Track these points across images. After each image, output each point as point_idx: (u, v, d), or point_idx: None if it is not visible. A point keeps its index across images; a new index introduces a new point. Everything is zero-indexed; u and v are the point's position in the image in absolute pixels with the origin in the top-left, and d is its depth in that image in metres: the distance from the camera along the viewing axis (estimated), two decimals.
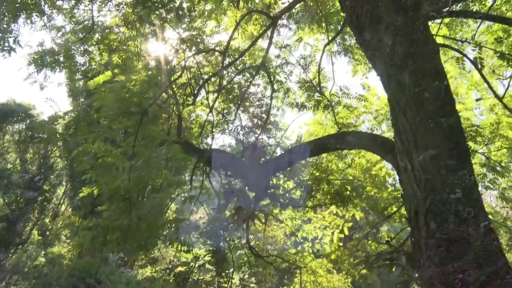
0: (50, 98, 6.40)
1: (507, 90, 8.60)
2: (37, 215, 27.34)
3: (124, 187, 6.13)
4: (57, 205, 29.54)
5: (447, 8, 6.41)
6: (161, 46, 9.36)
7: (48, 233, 27.81)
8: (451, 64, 10.69)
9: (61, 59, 9.00)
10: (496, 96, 6.64)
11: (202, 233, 6.27)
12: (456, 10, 8.60)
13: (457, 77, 11.34)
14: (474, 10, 9.97)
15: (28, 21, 8.29)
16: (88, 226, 6.53)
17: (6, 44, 7.29)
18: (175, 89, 8.95)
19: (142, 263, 21.42)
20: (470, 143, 9.04)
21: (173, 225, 7.37)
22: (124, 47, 10.05)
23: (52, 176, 28.21)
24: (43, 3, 8.40)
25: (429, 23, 5.77)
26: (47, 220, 28.52)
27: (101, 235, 6.42)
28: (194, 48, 9.67)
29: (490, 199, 22.46)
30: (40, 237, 27.24)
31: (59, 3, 9.11)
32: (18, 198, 25.46)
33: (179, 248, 7.47)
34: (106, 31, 9.89)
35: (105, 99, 6.75)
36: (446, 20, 10.26)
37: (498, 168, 9.27)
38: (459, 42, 10.72)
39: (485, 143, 9.69)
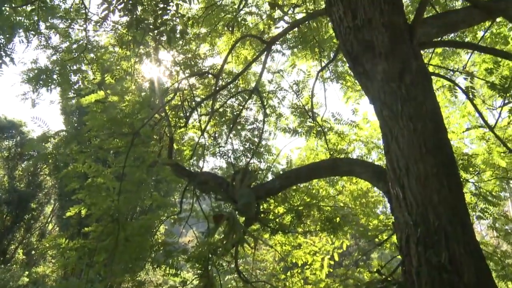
0: (38, 117, 6.31)
1: (497, 120, 8.68)
2: (23, 234, 26.95)
3: (114, 208, 6.06)
4: (44, 224, 29.19)
5: (439, 38, 6.49)
6: (154, 67, 9.40)
7: (33, 252, 27.40)
8: (443, 93, 10.80)
9: (55, 77, 9.01)
10: (488, 125, 6.68)
11: (191, 257, 6.18)
12: (448, 40, 8.72)
13: (449, 106, 11.46)
14: (466, 40, 10.12)
15: (24, 39, 8.31)
16: (74, 247, 6.43)
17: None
18: (167, 111, 8.95)
19: (128, 286, 21.13)
20: (462, 172, 9.06)
21: (162, 247, 7.27)
22: (118, 67, 10.08)
23: (40, 195, 27.93)
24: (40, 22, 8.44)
25: (422, 52, 5.84)
26: (33, 239, 28.13)
27: (87, 256, 6.32)
28: (187, 70, 9.72)
29: (480, 228, 22.51)
30: (24, 256, 26.83)
31: (55, 21, 9.16)
32: (4, 216, 25.14)
33: (167, 271, 7.35)
34: (101, 50, 9.93)
35: (97, 119, 6.72)
36: (438, 49, 10.40)
37: (489, 197, 9.29)
38: (451, 72, 10.86)
39: (477, 172, 9.73)
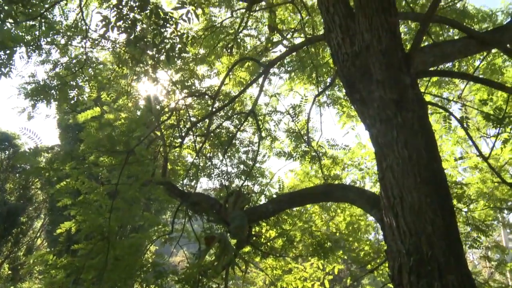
0: (28, 129, 6.23)
1: (492, 150, 8.73)
2: (10, 248, 26.57)
3: (105, 225, 6.00)
4: (33, 238, 28.82)
5: (436, 67, 6.56)
6: (152, 86, 9.41)
7: (20, 267, 26.97)
8: (437, 121, 10.88)
9: (53, 92, 9.02)
10: (482, 155, 6.72)
11: (181, 278, 6.11)
12: (444, 70, 8.82)
13: (443, 134, 11.53)
14: (462, 69, 10.25)
15: (25, 55, 8.35)
16: (62, 264, 6.33)
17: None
18: (163, 130, 8.95)
19: None
20: (455, 201, 9.08)
21: (152, 267, 7.20)
22: (115, 84, 10.10)
23: (30, 208, 27.64)
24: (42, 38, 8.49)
25: (418, 80, 5.88)
26: (20, 254, 27.72)
27: (75, 274, 6.23)
28: (185, 90, 9.74)
29: (472, 257, 22.45)
30: (10, 272, 26.40)
31: (56, 36, 9.21)
32: None
33: None
34: (99, 66, 9.96)
35: (92, 136, 6.71)
36: (434, 78, 10.50)
37: (481, 227, 9.29)
38: (446, 100, 10.96)
39: (469, 203, 9.75)
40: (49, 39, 9.00)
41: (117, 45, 9.45)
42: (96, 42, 9.21)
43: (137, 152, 6.48)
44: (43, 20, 8.12)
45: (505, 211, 11.15)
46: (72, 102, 9.22)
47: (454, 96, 11.75)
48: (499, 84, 7.40)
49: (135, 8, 6.10)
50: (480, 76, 10.03)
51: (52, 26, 8.74)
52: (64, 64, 9.43)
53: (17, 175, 26.92)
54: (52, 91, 8.94)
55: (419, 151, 4.11)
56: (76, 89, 9.33)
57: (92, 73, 9.66)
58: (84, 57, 9.09)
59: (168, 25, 6.72)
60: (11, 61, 7.80)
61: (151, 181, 6.78)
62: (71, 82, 9.18)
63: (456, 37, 9.16)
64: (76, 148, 7.23)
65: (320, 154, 10.03)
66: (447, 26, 9.17)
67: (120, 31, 6.09)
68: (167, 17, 6.59)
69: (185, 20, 6.67)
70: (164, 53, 6.59)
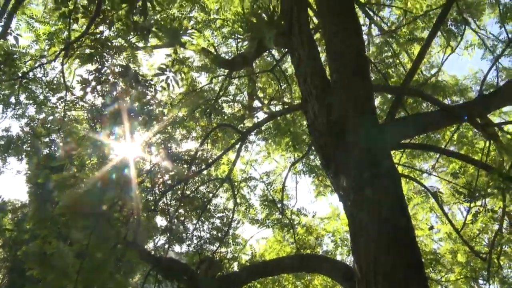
0: None
1: (464, 222, 8.79)
2: None
3: None
4: None
5: (410, 138, 6.72)
6: (128, 147, 9.36)
7: None
8: (411, 190, 11.01)
9: (25, 147, 8.93)
10: (454, 228, 6.79)
11: None
12: (417, 143, 9.03)
13: (417, 202, 11.61)
14: (435, 139, 10.50)
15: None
16: None
17: None
18: (137, 193, 8.83)
19: None
20: (429, 271, 9.04)
21: None
22: (90, 143, 10.02)
23: None
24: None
25: (392, 151, 5.99)
26: None
27: None
28: (161, 153, 9.71)
29: None
30: None
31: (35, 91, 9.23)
32: None
33: None
34: (76, 125, 9.93)
35: (65, 196, 6.59)
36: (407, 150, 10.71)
37: None
38: (419, 171, 11.14)
39: (445, 272, 9.72)
40: (26, 94, 9.01)
41: (94, 107, 9.47)
42: (75, 102, 9.23)
43: (109, 214, 6.37)
44: (24, 80, 8.16)
45: (480, 281, 11.12)
46: (45, 158, 9.11)
47: (428, 165, 11.97)
48: (468, 158, 7.62)
49: (116, 74, 6.18)
50: (452, 149, 10.29)
51: (32, 83, 8.78)
52: (39, 120, 9.40)
53: None
54: (24, 146, 8.85)
55: (392, 223, 4.10)
56: (52, 146, 9.25)
57: (68, 130, 9.61)
58: (61, 114, 9.08)
59: (147, 91, 6.81)
60: None
61: (122, 244, 6.62)
62: (46, 139, 9.11)
63: (429, 110, 9.45)
64: (47, 208, 7.06)
65: (294, 223, 9.99)
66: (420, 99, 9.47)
67: (98, 95, 6.13)
68: (147, 84, 6.68)
69: (165, 88, 6.76)
70: (142, 118, 6.63)
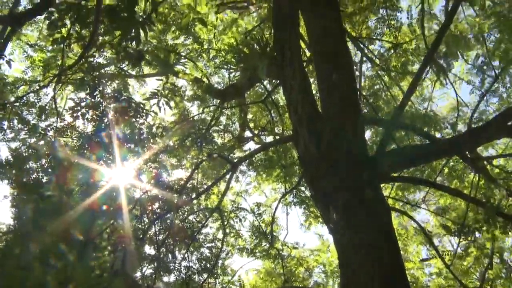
0: None
1: (454, 256, 8.74)
2: None
3: None
4: None
5: (400, 171, 6.71)
6: (119, 174, 9.29)
7: None
8: (401, 223, 10.97)
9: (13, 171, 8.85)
10: (445, 264, 6.74)
11: None
12: (406, 176, 9.04)
13: (408, 235, 11.56)
14: (426, 172, 10.51)
15: None
16: None
17: None
18: (126, 220, 8.73)
19: None
20: None
21: None
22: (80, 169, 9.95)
23: None
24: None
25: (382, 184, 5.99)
26: None
27: None
28: (152, 180, 9.64)
29: None
30: None
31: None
32: None
33: None
34: (67, 150, 9.87)
35: (53, 223, 6.52)
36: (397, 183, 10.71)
37: None
38: (409, 205, 11.12)
39: None
40: (17, 119, 9.00)
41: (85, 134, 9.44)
42: (65, 128, 9.19)
43: (97, 242, 6.29)
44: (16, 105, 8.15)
45: None
46: (32, 183, 9.01)
47: (419, 198, 11.96)
48: (458, 191, 7.62)
49: (108, 99, 6.19)
50: (442, 183, 10.30)
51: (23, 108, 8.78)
52: (29, 144, 9.35)
53: None
54: (13, 170, 8.78)
55: (381, 256, 4.05)
56: (41, 172, 9.17)
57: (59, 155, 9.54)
58: (53, 138, 9.04)
59: (139, 116, 6.81)
60: None
61: (109, 272, 6.52)
62: (34, 164, 9.04)
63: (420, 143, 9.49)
64: (33, 234, 6.97)
65: (284, 254, 9.89)
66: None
67: (89, 121, 6.13)
68: (139, 108, 6.69)
69: (156, 113, 6.77)
70: (133, 145, 6.61)
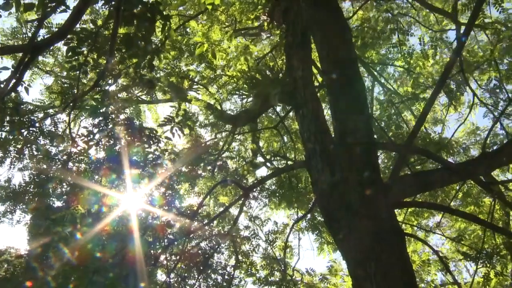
0: None
1: (472, 284, 8.57)
2: None
3: None
4: None
5: (414, 196, 6.65)
6: (131, 199, 9.31)
7: None
8: (416, 250, 10.82)
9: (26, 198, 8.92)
10: None
11: None
12: (421, 201, 8.93)
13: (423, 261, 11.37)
14: (441, 197, 10.39)
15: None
16: None
17: None
18: (138, 246, 8.71)
19: None
20: None
21: None
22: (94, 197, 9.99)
23: None
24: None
25: (396, 210, 5.93)
26: None
27: None
28: (164, 206, 9.65)
29: None
30: None
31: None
32: None
33: None
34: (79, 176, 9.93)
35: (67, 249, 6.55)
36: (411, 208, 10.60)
37: None
38: (424, 230, 10.98)
39: None
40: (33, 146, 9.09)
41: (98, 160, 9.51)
42: (79, 154, 9.27)
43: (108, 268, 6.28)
44: (32, 129, 8.24)
45: None
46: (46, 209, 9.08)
47: (433, 223, 11.81)
48: (473, 216, 7.52)
49: (121, 125, 6.25)
50: (457, 208, 10.19)
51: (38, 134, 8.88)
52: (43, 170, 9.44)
53: None
54: (26, 197, 8.86)
55: (397, 284, 3.99)
56: (55, 198, 9.23)
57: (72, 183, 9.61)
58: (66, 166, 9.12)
59: (151, 142, 6.85)
60: None
61: None
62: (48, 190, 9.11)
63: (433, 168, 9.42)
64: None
65: (298, 280, 9.77)
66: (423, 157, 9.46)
67: (102, 148, 6.18)
68: (152, 134, 6.74)
69: (169, 138, 6.81)
70: (145, 170, 6.65)
